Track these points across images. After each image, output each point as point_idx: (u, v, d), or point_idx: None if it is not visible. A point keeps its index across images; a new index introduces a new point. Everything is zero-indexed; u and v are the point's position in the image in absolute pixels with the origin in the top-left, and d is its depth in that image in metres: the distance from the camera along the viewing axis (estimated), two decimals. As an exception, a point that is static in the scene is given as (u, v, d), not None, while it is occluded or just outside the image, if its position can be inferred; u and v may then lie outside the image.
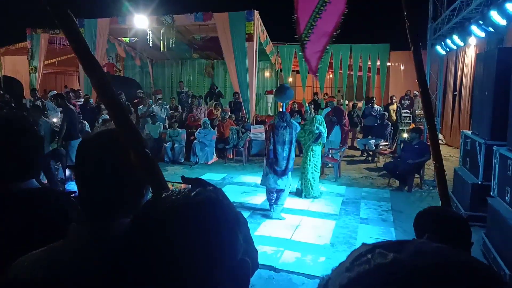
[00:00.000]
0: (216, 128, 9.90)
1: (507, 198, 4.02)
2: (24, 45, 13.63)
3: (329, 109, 8.56)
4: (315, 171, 6.52)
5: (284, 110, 6.21)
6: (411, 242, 0.40)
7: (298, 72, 14.90)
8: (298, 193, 6.52)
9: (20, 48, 14.55)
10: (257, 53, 10.64)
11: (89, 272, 0.73)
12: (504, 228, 3.76)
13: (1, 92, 10.68)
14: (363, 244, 0.42)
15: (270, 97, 13.63)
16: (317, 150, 6.57)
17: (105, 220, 0.84)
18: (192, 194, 0.57)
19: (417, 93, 12.05)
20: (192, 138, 9.53)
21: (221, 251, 0.55)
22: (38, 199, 1.26)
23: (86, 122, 8.56)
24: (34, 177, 1.33)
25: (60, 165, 7.14)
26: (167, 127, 10.16)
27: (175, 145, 9.24)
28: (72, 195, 1.52)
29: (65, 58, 16.31)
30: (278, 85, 6.04)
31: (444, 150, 10.68)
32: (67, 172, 1.64)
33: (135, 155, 0.85)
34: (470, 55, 9.92)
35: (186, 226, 0.53)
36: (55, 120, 8.87)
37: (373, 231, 5.04)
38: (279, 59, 14.39)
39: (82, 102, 10.76)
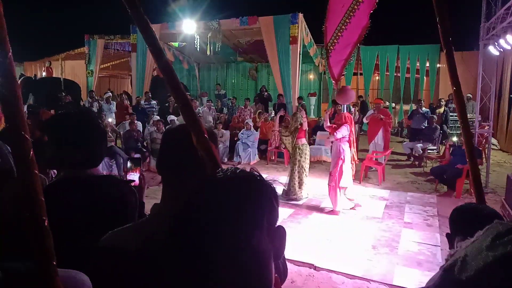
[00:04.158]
0: (259, 129, 10.08)
1: None
2: (82, 50, 14.64)
3: (372, 111, 8.44)
4: (302, 172, 6.37)
5: (344, 111, 6.14)
6: None
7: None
8: (283, 194, 6.34)
9: (78, 53, 15.67)
10: (301, 55, 10.70)
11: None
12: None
13: (64, 94, 11.56)
14: (497, 222, 0.44)
15: (313, 100, 13.60)
16: (304, 149, 6.40)
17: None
18: (238, 171, 0.72)
19: (470, 95, 11.49)
20: (235, 139, 9.78)
21: (261, 215, 0.67)
22: (104, 184, 1.46)
23: (139, 122, 9.13)
24: (98, 166, 1.54)
25: (114, 162, 7.64)
26: (212, 128, 10.50)
27: (219, 145, 9.53)
28: (131, 183, 1.71)
29: (118, 62, 17.33)
30: (340, 87, 6.03)
31: (499, 156, 10.11)
32: (129, 163, 1.85)
33: (196, 139, 1.00)
34: (529, 55, 9.33)
35: (237, 195, 0.67)
36: (110, 120, 9.49)
37: (417, 236, 4.93)
38: (323, 61, 14.30)
39: (134, 104, 11.40)
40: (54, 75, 16.63)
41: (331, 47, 5.15)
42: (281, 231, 0.70)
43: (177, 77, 1.15)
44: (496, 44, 6.96)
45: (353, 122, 5.99)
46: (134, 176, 1.71)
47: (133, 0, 1.06)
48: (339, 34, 5.01)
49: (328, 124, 6.15)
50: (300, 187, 6.38)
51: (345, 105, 6.30)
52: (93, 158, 1.48)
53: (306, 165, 6.42)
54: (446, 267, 0.45)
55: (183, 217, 0.66)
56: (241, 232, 0.64)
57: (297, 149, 6.39)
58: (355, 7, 4.82)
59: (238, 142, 9.50)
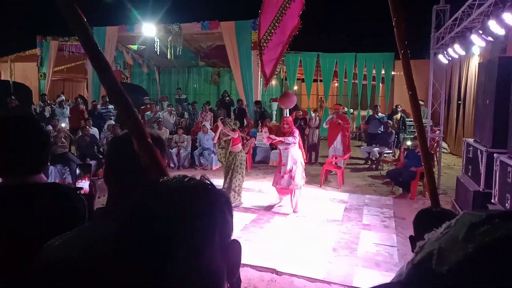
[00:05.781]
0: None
1: (507, 204, 4.06)
2: (34, 52, 13.89)
3: (331, 116, 8.68)
4: (239, 179, 6.36)
5: (287, 115, 6.33)
6: None
7: (303, 80, 15.03)
8: None
9: (30, 55, 14.84)
10: (262, 61, 10.78)
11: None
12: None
13: (12, 98, 10.88)
14: (467, 213, 0.42)
15: (275, 105, 13.75)
16: (239, 157, 6.33)
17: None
18: (185, 179, 0.63)
19: (422, 102, 12.06)
20: (197, 144, 9.66)
21: (213, 229, 0.59)
22: (49, 192, 1.37)
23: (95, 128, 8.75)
24: (41, 172, 1.44)
25: (68, 169, 7.27)
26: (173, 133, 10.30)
27: (181, 150, 9.35)
28: (79, 191, 1.62)
29: (73, 65, 16.60)
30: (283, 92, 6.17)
31: (449, 159, 10.67)
32: (77, 170, 1.72)
33: (138, 145, 0.95)
34: (474, 64, 9.97)
35: (182, 205, 0.59)
36: (63, 125, 9.04)
37: (375, 237, 5.08)
38: (284, 67, 14.51)
39: (90, 108, 10.95)
40: (2, 78, 15.65)
41: (264, 44, 5.07)
42: (236, 247, 0.62)
43: (125, 93, 1.06)
44: (445, 53, 7.38)
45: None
46: (84, 184, 1.62)
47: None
48: (272, 31, 4.96)
49: (268, 135, 5.94)
50: (239, 194, 6.34)
51: (288, 110, 6.53)
52: (35, 164, 1.38)
53: (242, 171, 6.35)
54: (419, 260, 0.42)
55: (125, 230, 0.59)
56: (189, 249, 0.56)
57: (234, 156, 6.31)
58: (287, 5, 4.82)
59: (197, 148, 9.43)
